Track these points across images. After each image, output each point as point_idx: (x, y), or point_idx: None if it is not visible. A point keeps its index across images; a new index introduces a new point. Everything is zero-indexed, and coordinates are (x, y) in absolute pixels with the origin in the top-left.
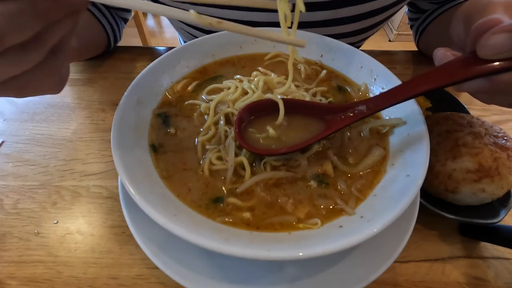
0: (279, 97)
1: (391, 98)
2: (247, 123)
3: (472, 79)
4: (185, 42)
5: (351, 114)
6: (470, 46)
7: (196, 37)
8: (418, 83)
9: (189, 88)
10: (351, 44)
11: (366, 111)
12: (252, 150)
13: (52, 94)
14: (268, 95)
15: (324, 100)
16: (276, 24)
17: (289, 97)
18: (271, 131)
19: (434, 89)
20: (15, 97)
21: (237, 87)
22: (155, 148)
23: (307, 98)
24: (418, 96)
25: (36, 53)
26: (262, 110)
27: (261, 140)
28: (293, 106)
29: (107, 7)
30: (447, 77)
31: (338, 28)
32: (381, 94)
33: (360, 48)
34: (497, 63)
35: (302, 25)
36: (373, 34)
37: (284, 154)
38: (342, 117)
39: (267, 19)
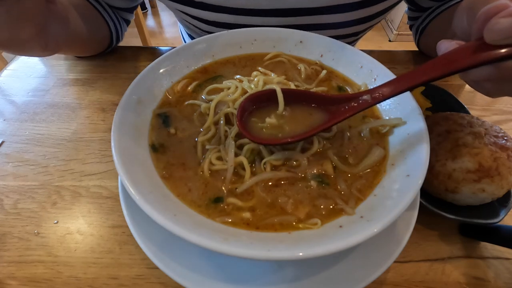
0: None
1: (396, 86)
2: (250, 113)
3: (479, 66)
4: (188, 34)
5: (355, 104)
6: (476, 34)
7: (199, 28)
8: (424, 71)
9: (189, 88)
10: (350, 36)
11: (371, 100)
12: (254, 139)
13: (34, 56)
14: (268, 86)
15: None
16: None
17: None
18: (269, 119)
19: (440, 77)
20: None
21: (237, 87)
22: (155, 148)
23: None
24: (425, 84)
25: None
26: (265, 100)
27: (263, 130)
28: (296, 97)
29: (110, 6)
30: (453, 64)
31: (336, 17)
32: (386, 83)
33: (360, 48)
34: (504, 49)
35: (301, 12)
36: (371, 27)
37: (288, 143)
38: (346, 107)
39: (261, 22)
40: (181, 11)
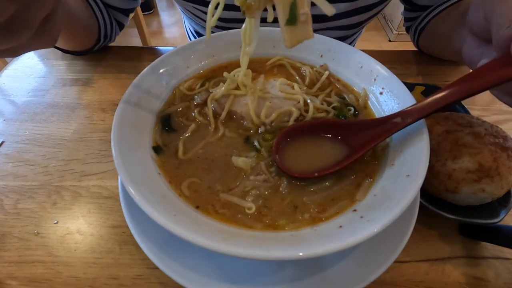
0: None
1: (425, 108)
2: (284, 145)
3: (505, 82)
4: (193, 31)
5: (383, 130)
6: (499, 48)
7: (201, 18)
8: (456, 89)
9: (191, 87)
10: (348, 28)
11: (401, 123)
12: (288, 173)
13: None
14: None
15: (325, 105)
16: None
17: (300, 101)
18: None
19: (467, 97)
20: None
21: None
22: (156, 149)
23: (317, 101)
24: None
25: (25, 33)
26: (299, 132)
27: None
28: (323, 127)
29: (104, 4)
30: (480, 83)
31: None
32: (416, 106)
33: (360, 48)
34: None
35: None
36: (369, 20)
37: (315, 178)
38: (371, 134)
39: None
40: (192, 9)
